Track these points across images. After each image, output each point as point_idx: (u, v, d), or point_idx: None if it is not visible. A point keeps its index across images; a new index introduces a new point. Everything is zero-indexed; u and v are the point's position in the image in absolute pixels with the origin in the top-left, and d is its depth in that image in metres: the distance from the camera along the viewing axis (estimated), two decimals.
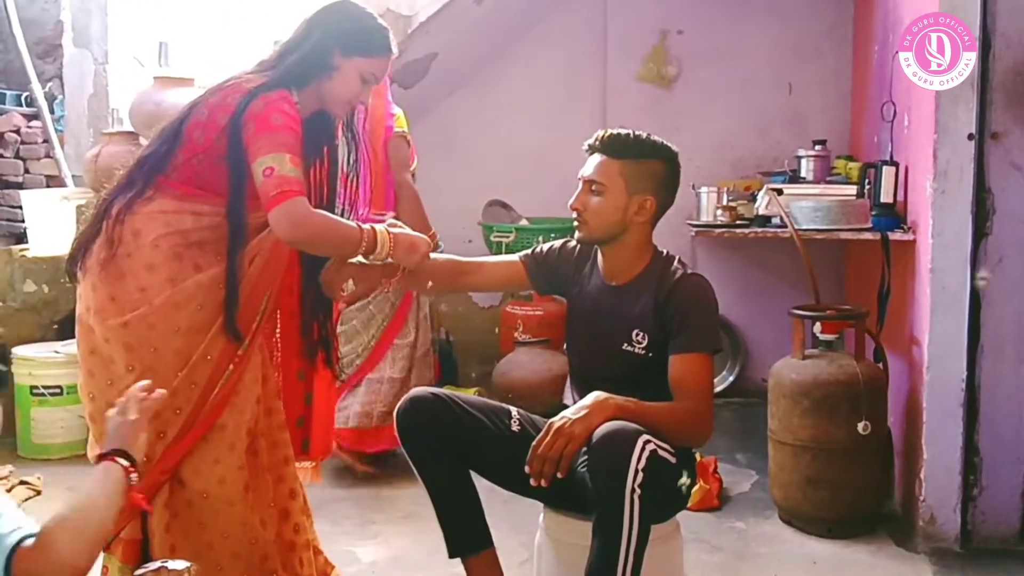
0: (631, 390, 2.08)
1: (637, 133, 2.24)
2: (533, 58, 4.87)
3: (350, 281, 2.18)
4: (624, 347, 2.22)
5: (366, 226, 2.08)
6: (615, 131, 2.24)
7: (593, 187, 2.22)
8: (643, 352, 2.20)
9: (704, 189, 3.98)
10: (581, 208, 2.24)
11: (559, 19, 4.94)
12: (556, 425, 2.01)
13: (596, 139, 2.25)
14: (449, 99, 4.95)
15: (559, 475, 1.97)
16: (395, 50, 2.19)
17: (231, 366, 2.07)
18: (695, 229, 3.86)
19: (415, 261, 2.18)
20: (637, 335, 2.21)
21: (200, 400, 2.02)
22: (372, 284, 2.21)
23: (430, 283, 2.39)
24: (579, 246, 2.38)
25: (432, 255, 2.33)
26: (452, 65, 4.61)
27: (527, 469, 2.01)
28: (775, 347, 3.69)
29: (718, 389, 4.72)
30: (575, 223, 2.29)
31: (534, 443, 2.02)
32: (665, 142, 2.26)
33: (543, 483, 1.99)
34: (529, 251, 2.45)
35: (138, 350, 1.98)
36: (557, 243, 2.44)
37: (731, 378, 4.82)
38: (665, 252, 2.30)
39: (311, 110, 2.16)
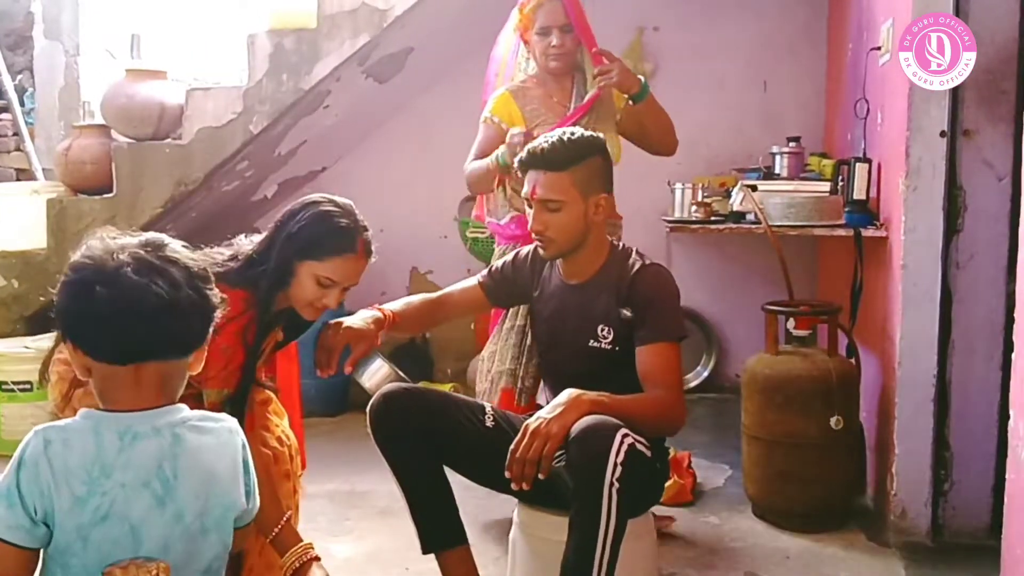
0: (601, 385, 2.08)
1: (564, 136, 2.20)
2: None
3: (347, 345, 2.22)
4: (591, 343, 2.22)
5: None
6: (545, 143, 2.19)
7: (550, 206, 2.19)
8: (609, 347, 2.21)
9: (679, 185, 3.99)
10: (543, 228, 2.21)
11: None
12: (532, 426, 1.99)
13: (529, 155, 2.21)
14: (425, 94, 4.92)
15: (540, 476, 1.97)
16: (357, 249, 1.98)
17: None
18: (670, 225, 3.86)
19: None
20: (602, 331, 2.21)
21: None
22: (370, 344, 2.23)
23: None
24: (531, 252, 2.38)
25: (405, 300, 2.41)
26: (428, 60, 4.58)
27: (507, 474, 2.00)
28: (749, 342, 3.70)
29: (692, 384, 4.74)
30: (538, 245, 2.26)
31: (512, 447, 2.01)
32: (590, 133, 2.25)
33: (524, 486, 1.98)
34: (485, 272, 2.47)
35: None
36: (509, 256, 2.46)
37: (705, 373, 4.84)
38: (621, 245, 2.30)
39: (282, 305, 2.06)
